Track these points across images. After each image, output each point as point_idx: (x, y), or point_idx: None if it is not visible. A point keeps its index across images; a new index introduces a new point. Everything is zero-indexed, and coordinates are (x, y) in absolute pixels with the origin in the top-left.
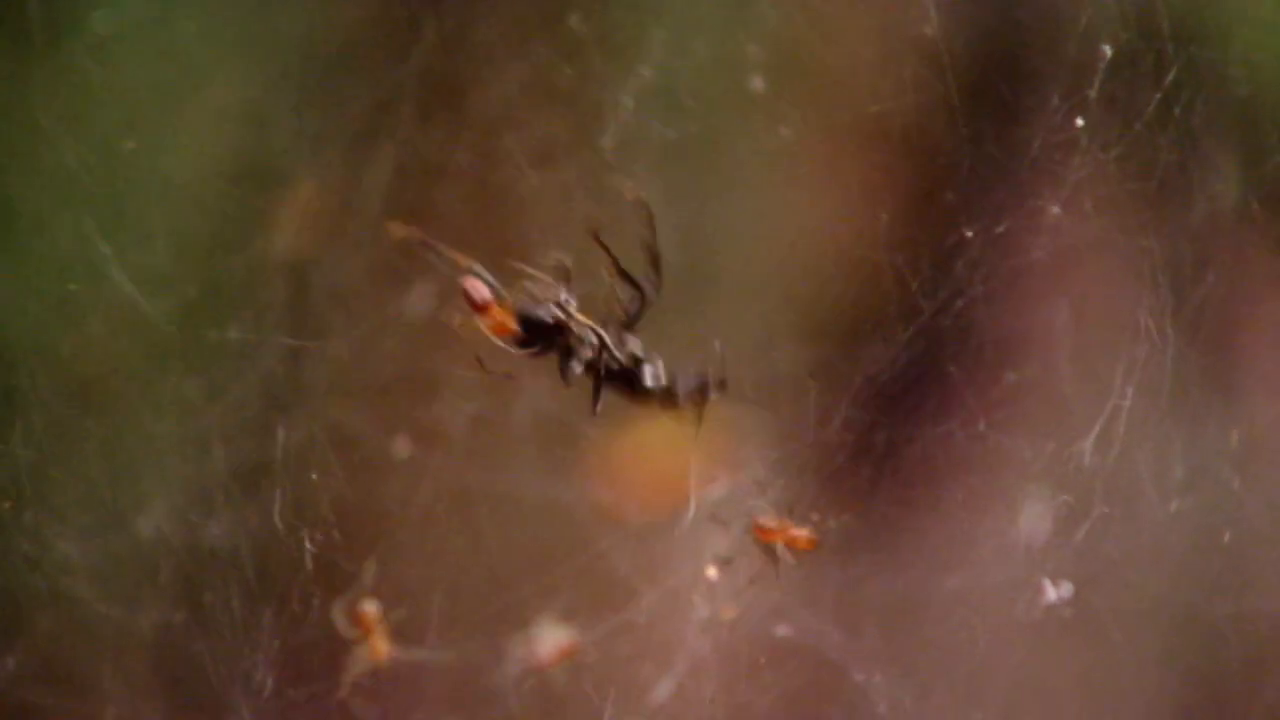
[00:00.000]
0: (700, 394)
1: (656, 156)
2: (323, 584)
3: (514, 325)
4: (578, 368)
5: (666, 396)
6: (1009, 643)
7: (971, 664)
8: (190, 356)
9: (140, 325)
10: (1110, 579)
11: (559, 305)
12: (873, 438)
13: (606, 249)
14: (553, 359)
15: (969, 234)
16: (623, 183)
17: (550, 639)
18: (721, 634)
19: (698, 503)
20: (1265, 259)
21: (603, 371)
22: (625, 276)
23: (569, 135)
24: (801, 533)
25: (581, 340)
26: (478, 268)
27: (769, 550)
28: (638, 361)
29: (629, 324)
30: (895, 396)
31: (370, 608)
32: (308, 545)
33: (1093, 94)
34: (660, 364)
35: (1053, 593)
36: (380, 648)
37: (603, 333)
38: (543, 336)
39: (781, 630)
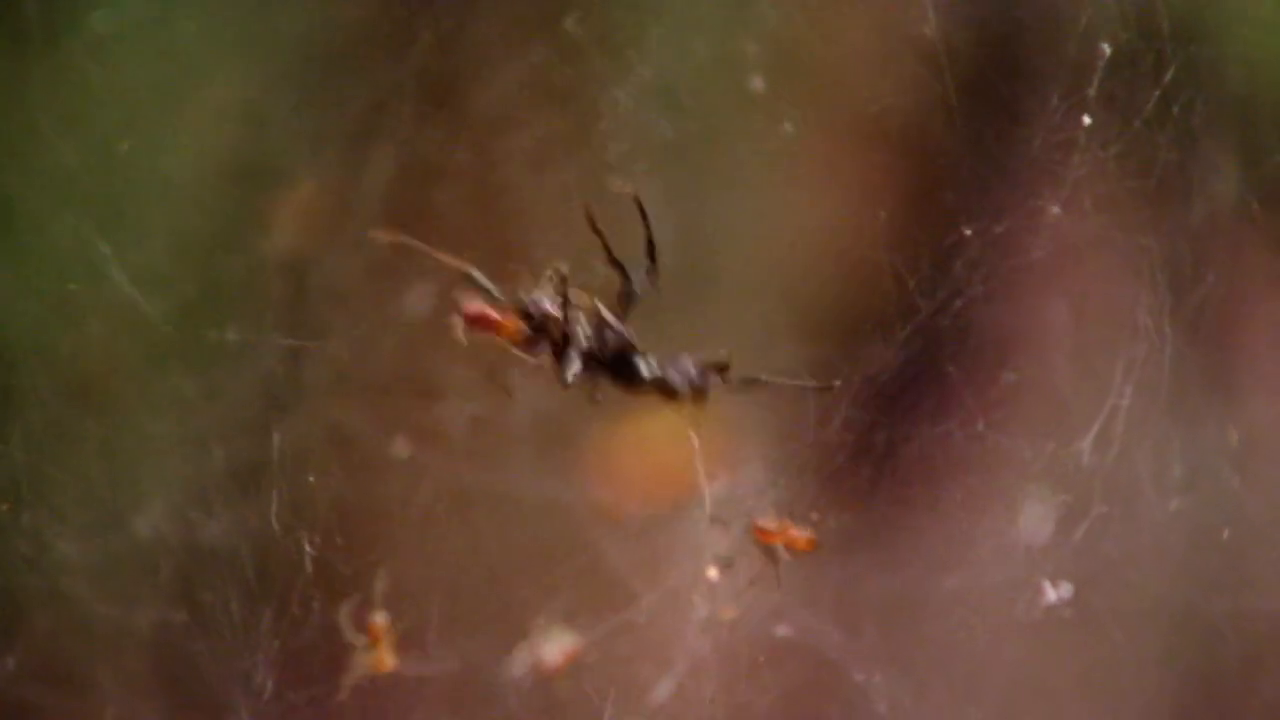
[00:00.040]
0: (699, 382)
1: (655, 156)
2: (322, 586)
3: (515, 324)
4: (575, 364)
5: (663, 386)
6: (1008, 642)
7: (970, 663)
8: (189, 357)
9: (139, 325)
10: (1109, 578)
11: (557, 297)
12: (872, 437)
13: (600, 234)
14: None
15: (968, 233)
16: (612, 181)
17: (556, 645)
18: (721, 634)
19: (700, 501)
20: (1264, 258)
21: (598, 360)
22: (617, 264)
23: (567, 135)
24: (801, 534)
25: (577, 332)
26: (472, 272)
27: (769, 551)
28: (632, 350)
29: (623, 310)
30: (894, 396)
31: (380, 619)
32: (307, 547)
33: (1092, 93)
34: (653, 358)
35: (1052, 593)
36: (386, 659)
37: (603, 310)
38: (543, 330)
39: (781, 630)
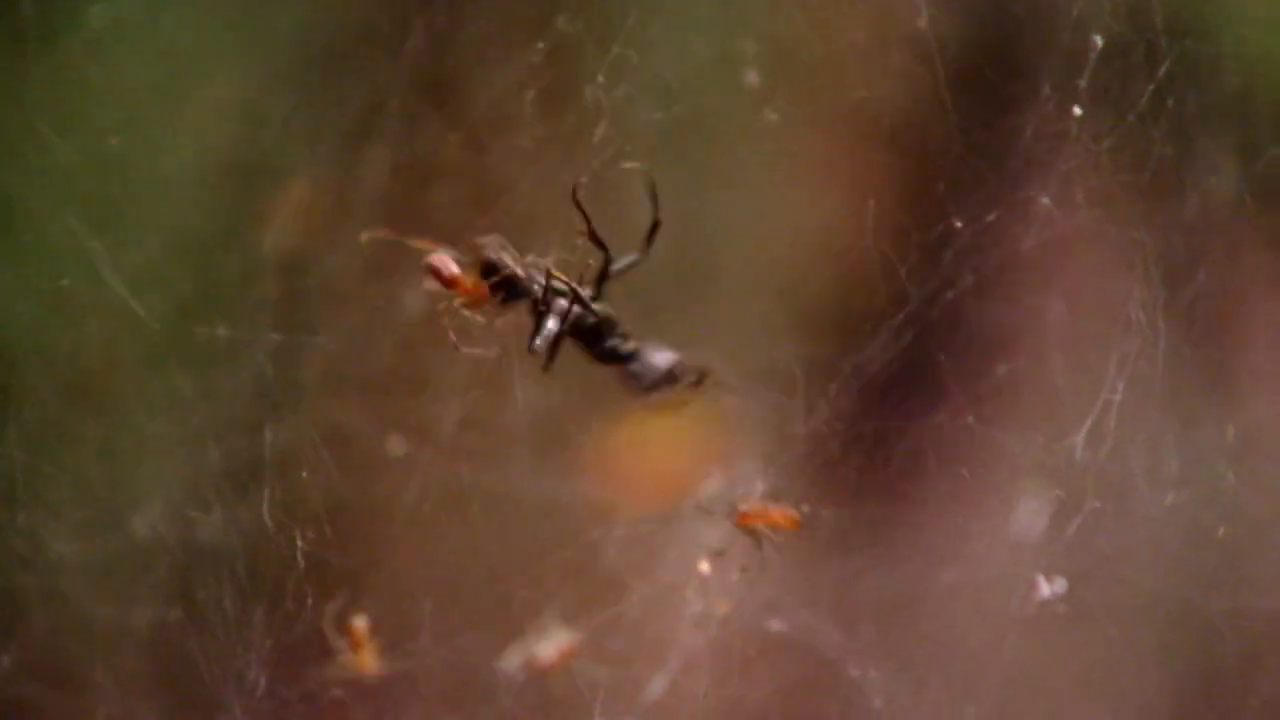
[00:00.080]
0: (664, 379)
1: (647, 149)
2: (315, 583)
3: (485, 288)
4: (550, 325)
5: (629, 372)
6: (1003, 637)
7: (966, 659)
8: (183, 354)
9: (133, 323)
10: (1104, 574)
11: (526, 265)
12: (862, 430)
13: (582, 208)
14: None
15: (958, 224)
16: (625, 163)
17: (550, 642)
18: (715, 629)
19: (694, 497)
20: (1259, 253)
21: (569, 327)
22: (596, 239)
23: (561, 131)
24: (781, 512)
25: (551, 297)
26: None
27: (753, 535)
28: (607, 323)
29: (599, 283)
30: (885, 388)
31: (360, 623)
32: (300, 544)
33: (1083, 84)
34: (631, 343)
35: (1046, 588)
36: (367, 661)
37: (577, 289)
38: (512, 287)
39: (775, 625)
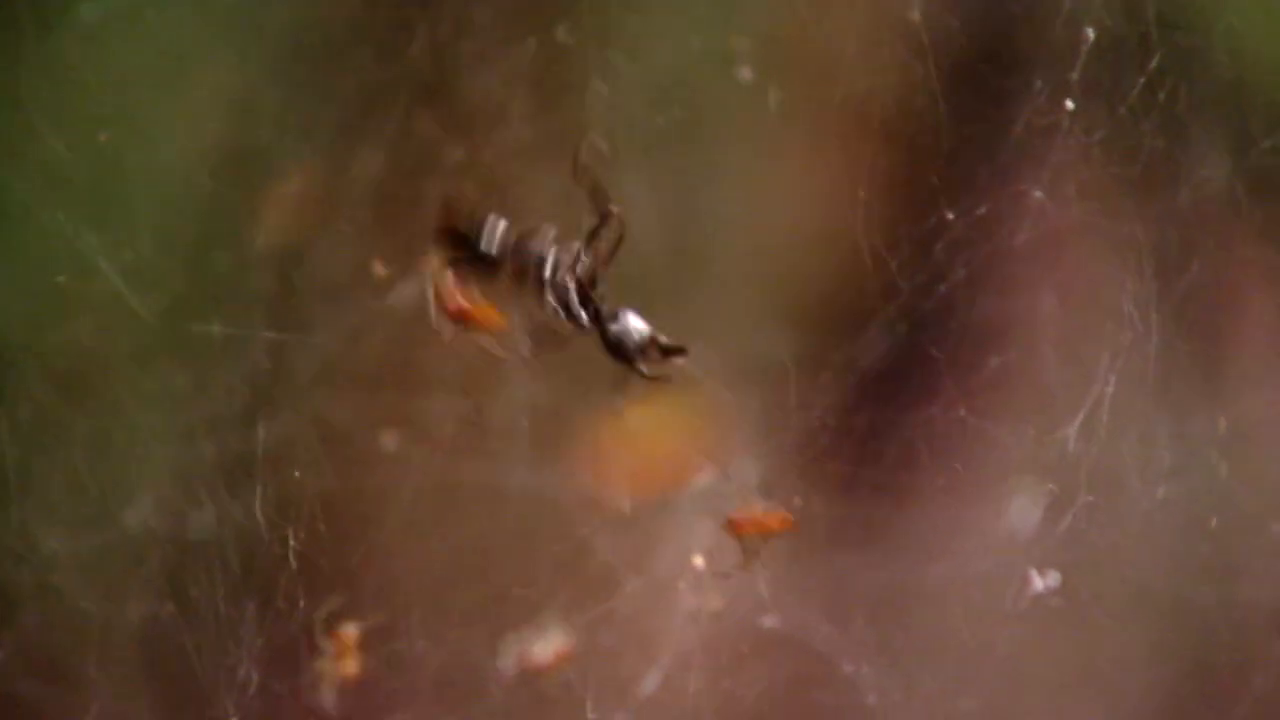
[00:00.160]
0: (634, 347)
1: (642, 144)
2: (307, 580)
3: (496, 317)
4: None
5: (606, 336)
6: (997, 632)
7: (960, 653)
8: (177, 350)
9: (127, 318)
10: (1097, 567)
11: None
12: (854, 423)
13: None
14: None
15: (950, 216)
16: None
17: (543, 638)
18: (708, 625)
19: (686, 492)
20: (1251, 245)
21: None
22: (601, 209)
23: (556, 128)
24: (775, 517)
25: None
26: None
27: (745, 543)
28: (594, 287)
29: (595, 255)
30: (877, 381)
31: (349, 630)
32: (291, 541)
33: (1075, 77)
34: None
35: (1039, 582)
36: (349, 667)
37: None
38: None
39: (768, 622)
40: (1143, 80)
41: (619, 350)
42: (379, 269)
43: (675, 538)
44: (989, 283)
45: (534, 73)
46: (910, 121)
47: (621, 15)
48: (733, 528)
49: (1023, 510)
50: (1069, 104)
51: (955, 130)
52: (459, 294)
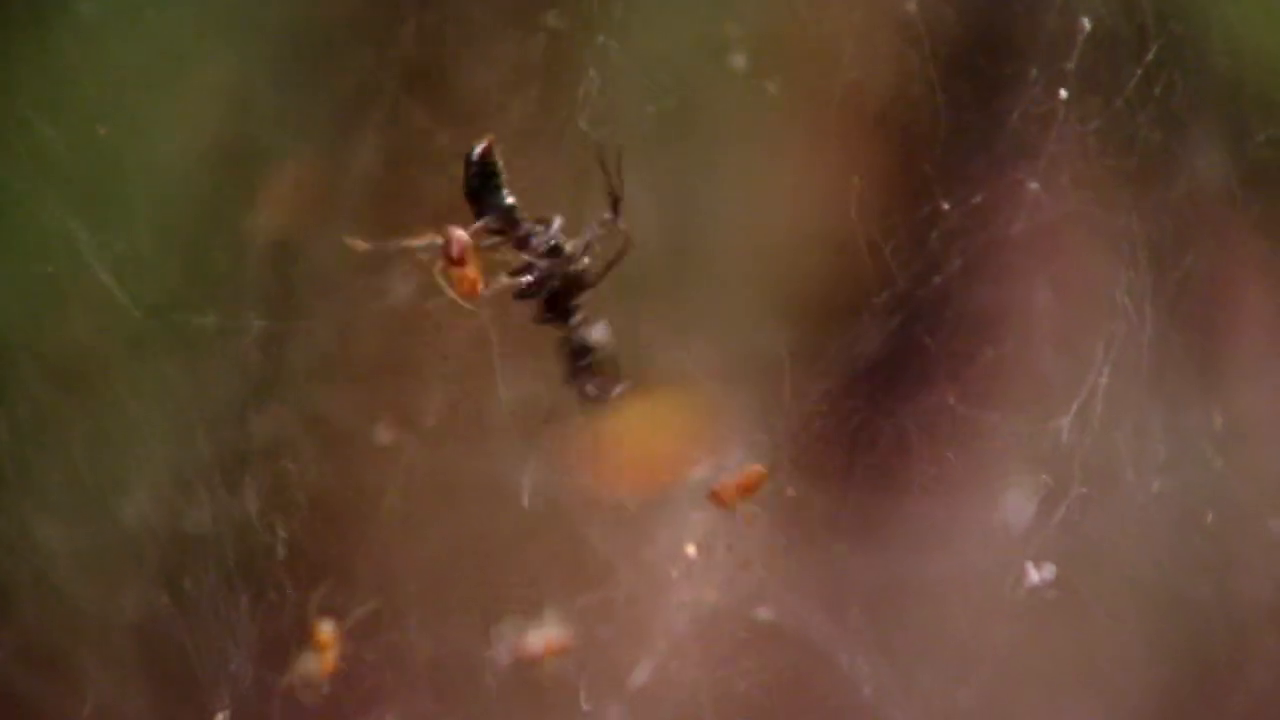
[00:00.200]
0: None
1: (636, 135)
2: (301, 572)
3: (481, 285)
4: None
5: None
6: (993, 624)
7: (956, 646)
8: (170, 342)
9: (120, 311)
10: (1093, 560)
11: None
12: (850, 414)
13: (609, 173)
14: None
15: (946, 206)
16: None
17: (537, 630)
18: (703, 618)
19: (682, 485)
20: (1246, 237)
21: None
22: (615, 204)
23: (549, 115)
24: (745, 473)
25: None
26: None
27: (738, 509)
28: (578, 280)
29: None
30: (872, 372)
31: (342, 622)
32: (281, 533)
33: (1071, 67)
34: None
35: (1035, 574)
36: (342, 659)
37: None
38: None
39: (763, 614)
40: (1139, 72)
41: (577, 356)
42: (359, 245)
43: (671, 530)
44: (984, 273)
45: (524, 59)
46: (906, 111)
47: (614, 3)
48: (716, 500)
49: (1017, 502)
50: (1064, 94)
51: (951, 120)
52: (463, 243)
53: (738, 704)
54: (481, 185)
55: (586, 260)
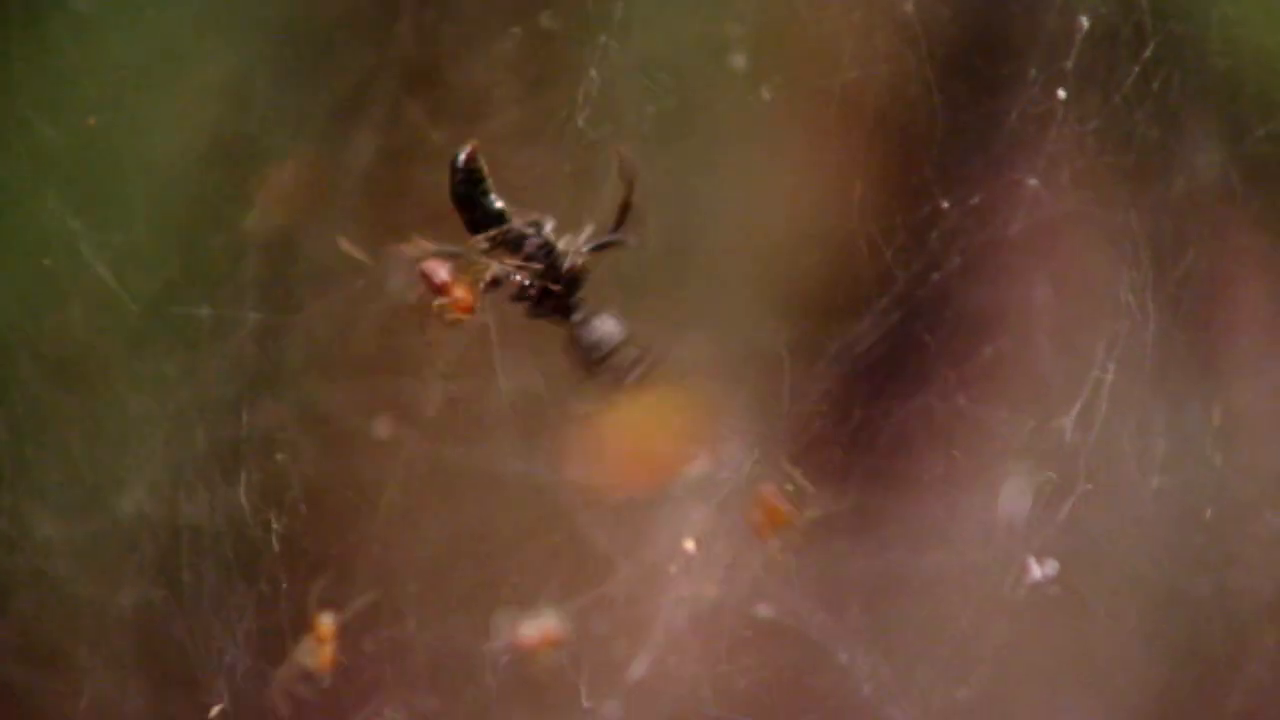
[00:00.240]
0: (601, 355)
1: (635, 133)
2: (296, 564)
3: (475, 302)
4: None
5: (577, 334)
6: (994, 620)
7: (956, 642)
8: (166, 335)
9: (116, 304)
10: (1093, 556)
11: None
12: (850, 411)
13: (629, 181)
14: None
15: (945, 205)
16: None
17: (534, 624)
18: (702, 613)
19: (680, 480)
20: (1246, 234)
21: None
22: (624, 209)
23: (548, 114)
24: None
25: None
26: (434, 248)
27: (762, 527)
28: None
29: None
30: (872, 370)
31: (340, 615)
32: (279, 527)
33: (1069, 65)
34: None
35: (1037, 570)
36: (340, 652)
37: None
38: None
39: (763, 610)
40: (1137, 69)
41: (589, 353)
42: (354, 252)
43: (670, 526)
44: (984, 271)
45: (523, 58)
46: (904, 110)
47: (614, 3)
48: (762, 516)
49: (1020, 498)
50: (1062, 93)
51: (949, 119)
52: (442, 268)
53: (737, 700)
54: (468, 191)
55: (580, 260)
